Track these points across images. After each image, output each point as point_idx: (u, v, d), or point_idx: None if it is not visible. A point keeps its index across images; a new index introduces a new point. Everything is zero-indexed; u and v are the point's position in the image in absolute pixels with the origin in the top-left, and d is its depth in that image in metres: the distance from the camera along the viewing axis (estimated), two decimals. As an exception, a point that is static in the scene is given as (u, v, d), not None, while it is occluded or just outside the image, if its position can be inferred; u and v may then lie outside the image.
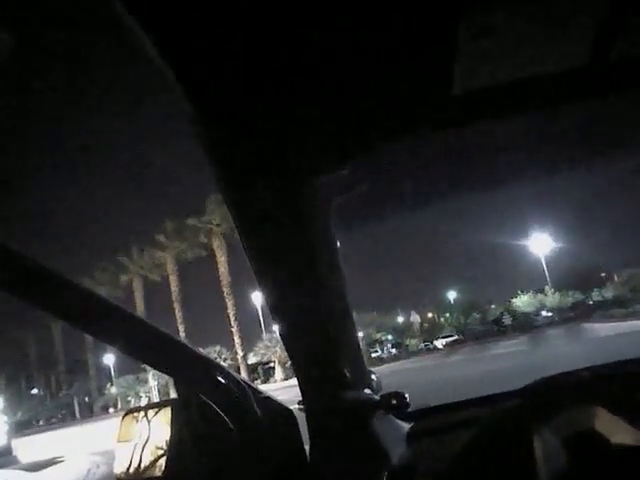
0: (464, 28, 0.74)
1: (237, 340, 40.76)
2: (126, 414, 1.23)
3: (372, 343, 47.22)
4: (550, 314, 43.99)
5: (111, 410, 48.97)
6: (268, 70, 0.78)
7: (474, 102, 0.89)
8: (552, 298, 44.05)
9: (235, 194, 0.93)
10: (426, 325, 52.57)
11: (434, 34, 0.76)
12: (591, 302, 43.26)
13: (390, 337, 50.80)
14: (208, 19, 0.70)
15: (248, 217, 0.96)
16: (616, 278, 42.78)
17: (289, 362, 1.21)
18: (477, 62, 0.81)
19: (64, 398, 53.95)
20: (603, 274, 45.62)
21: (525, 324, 42.32)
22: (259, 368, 43.93)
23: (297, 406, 1.18)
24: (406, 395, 1.24)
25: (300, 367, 1.14)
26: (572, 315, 41.13)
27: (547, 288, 44.91)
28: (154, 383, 43.85)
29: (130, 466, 1.13)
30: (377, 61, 0.80)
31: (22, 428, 43.67)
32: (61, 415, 53.85)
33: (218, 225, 39.45)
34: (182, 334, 39.03)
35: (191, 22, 0.70)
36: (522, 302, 45.76)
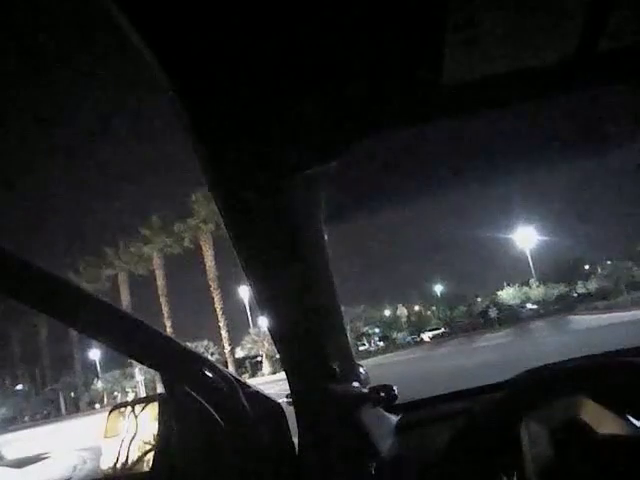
0: (451, 20, 0.74)
1: (224, 334, 40.73)
2: (113, 409, 1.23)
3: (360, 336, 47.41)
4: (535, 307, 44.51)
5: (97, 406, 48.68)
6: (255, 65, 0.77)
7: (461, 95, 0.89)
8: (537, 291, 44.56)
9: (223, 189, 0.92)
10: (413, 318, 52.87)
11: (420, 26, 0.75)
12: (575, 294, 43.84)
13: (377, 330, 51.03)
14: (196, 15, 0.69)
15: (236, 212, 0.95)
16: (599, 270, 43.37)
17: (277, 356, 1.21)
18: (464, 56, 0.81)
19: (49, 394, 53.47)
20: (587, 266, 46.24)
21: (511, 317, 42.80)
22: (247, 362, 43.94)
23: (285, 400, 1.18)
24: (394, 387, 1.25)
25: (288, 361, 1.14)
26: (557, 307, 41.65)
27: (532, 281, 45.43)
28: (141, 378, 43.64)
29: (117, 461, 1.12)
30: (364, 54, 0.79)
31: (7, 424, 43.28)
32: (46, 411, 53.37)
33: (201, 220, 39.26)
34: (169, 329, 38.90)
35: (180, 14, 0.69)
36: (508, 295, 46.24)
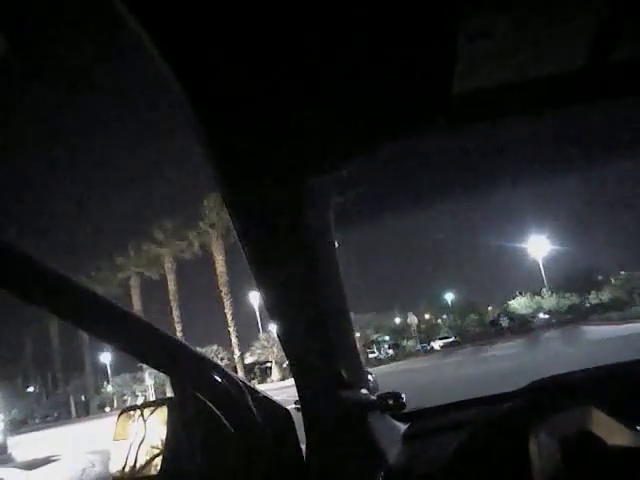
0: (464, 29, 0.74)
1: (234, 339, 40.77)
2: (122, 413, 1.23)
3: (369, 344, 47.17)
4: (547, 316, 43.98)
5: (107, 409, 48.86)
6: (268, 70, 0.78)
7: (473, 104, 0.89)
8: (549, 300, 44.06)
9: (234, 194, 0.93)
10: (423, 326, 52.46)
11: (433, 35, 0.76)
12: (588, 305, 43.27)
13: (387, 338, 50.72)
14: (209, 18, 0.70)
15: (246, 217, 0.96)
16: (613, 281, 42.83)
17: (286, 362, 1.21)
18: (476, 64, 0.81)
19: (60, 396, 53.77)
20: (600, 277, 45.66)
21: (522, 326, 42.36)
22: (256, 368, 43.87)
23: (294, 406, 1.18)
24: (402, 395, 1.25)
25: (297, 367, 1.14)
26: (569, 317, 41.15)
27: (544, 290, 44.92)
28: (150, 382, 43.72)
29: (126, 465, 1.13)
30: (376, 62, 0.80)
31: (18, 426, 43.53)
32: (57, 414, 53.64)
33: (212, 225, 39.44)
34: (179, 333, 39.03)
35: (191, 21, 0.70)
36: (519, 304, 45.75)
